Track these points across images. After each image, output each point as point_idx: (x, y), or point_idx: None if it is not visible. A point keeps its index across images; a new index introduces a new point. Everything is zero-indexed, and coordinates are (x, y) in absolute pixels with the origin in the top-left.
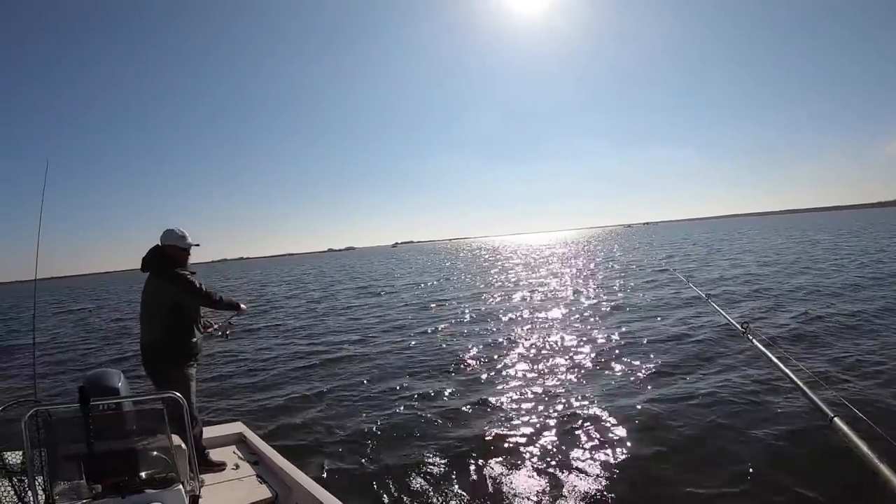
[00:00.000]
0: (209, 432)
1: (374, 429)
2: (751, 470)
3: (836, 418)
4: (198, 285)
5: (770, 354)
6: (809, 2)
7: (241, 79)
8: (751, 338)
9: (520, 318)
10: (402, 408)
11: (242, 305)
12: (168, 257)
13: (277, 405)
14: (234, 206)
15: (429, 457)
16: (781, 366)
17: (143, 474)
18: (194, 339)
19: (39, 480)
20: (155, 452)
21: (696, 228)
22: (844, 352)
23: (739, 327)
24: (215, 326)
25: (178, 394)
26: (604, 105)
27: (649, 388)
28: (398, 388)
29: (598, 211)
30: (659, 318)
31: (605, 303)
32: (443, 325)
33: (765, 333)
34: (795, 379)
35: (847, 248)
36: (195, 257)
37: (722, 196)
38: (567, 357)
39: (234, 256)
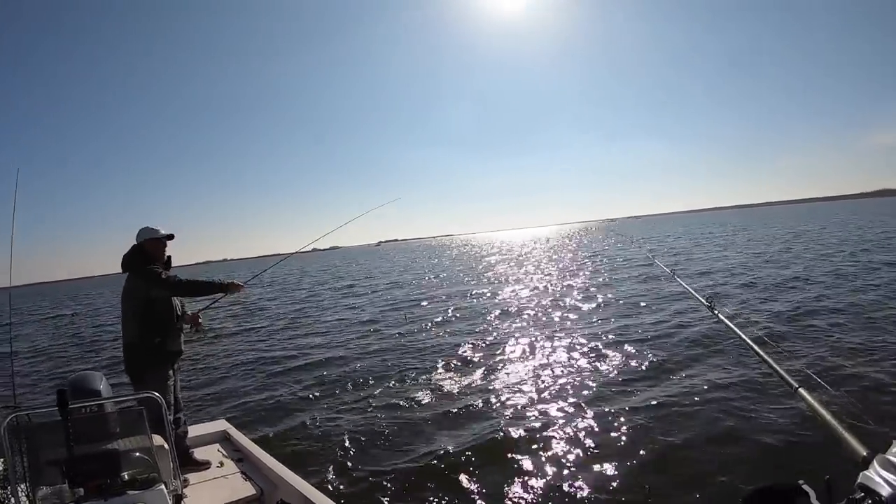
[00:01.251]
0: (193, 431)
1: (360, 428)
2: (723, 439)
3: (800, 388)
4: (162, 275)
5: (735, 328)
6: None
7: (213, 78)
8: (716, 312)
9: (505, 316)
10: (388, 407)
11: (236, 282)
12: (144, 253)
13: (262, 404)
14: (215, 207)
15: (413, 455)
16: (747, 339)
17: (125, 476)
18: (170, 338)
19: (22, 487)
20: (136, 453)
21: (680, 222)
22: (810, 326)
23: (705, 302)
24: (190, 324)
25: (157, 393)
26: (592, 99)
27: (622, 370)
28: (385, 388)
29: (584, 206)
30: (637, 303)
31: (586, 294)
32: (429, 325)
33: (732, 310)
34: (760, 352)
35: (833, 238)
36: (178, 260)
37: (708, 189)
38: (549, 346)
39: (217, 258)
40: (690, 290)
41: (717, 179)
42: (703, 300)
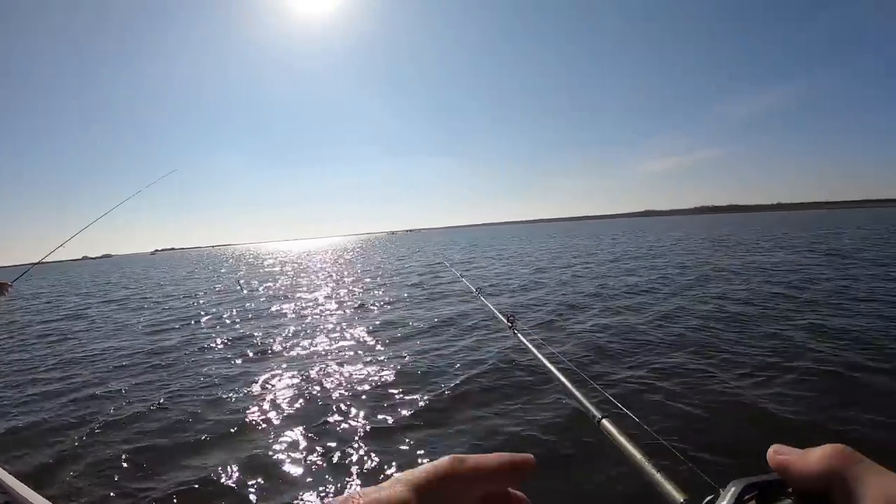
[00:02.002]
0: None
1: (140, 453)
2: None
3: (604, 419)
4: None
5: (537, 353)
6: (571, 38)
7: None
8: (517, 333)
9: (286, 327)
10: (166, 429)
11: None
12: None
13: (28, 433)
14: None
15: (195, 481)
16: (549, 365)
17: None
18: None
19: None
20: None
21: (456, 235)
22: (615, 352)
23: (506, 321)
24: None
25: None
26: (376, 111)
27: (414, 393)
28: (163, 407)
29: (366, 217)
30: (430, 317)
31: (373, 307)
32: (208, 340)
33: (531, 329)
34: (563, 380)
35: (613, 252)
36: None
37: (485, 204)
38: (337, 367)
39: None
40: (494, 309)
41: (495, 197)
42: (503, 318)
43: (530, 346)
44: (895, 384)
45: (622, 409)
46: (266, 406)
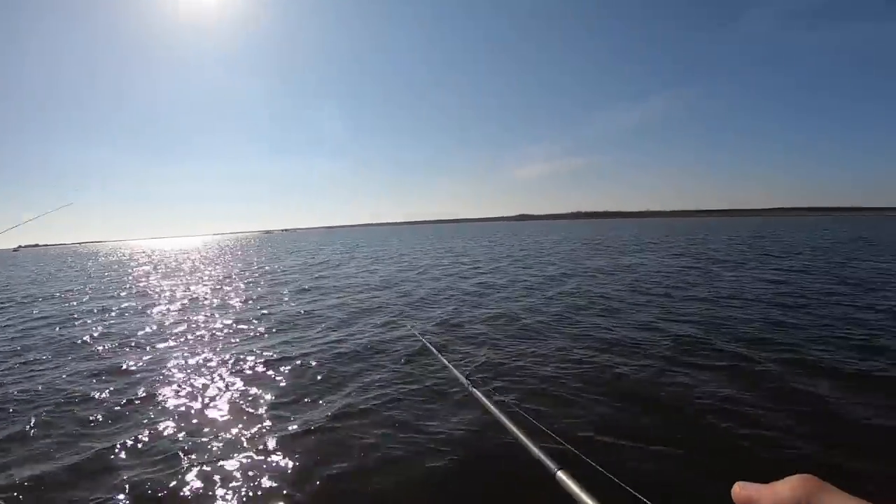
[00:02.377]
0: None
1: (19, 481)
2: None
3: (559, 472)
4: None
5: (491, 406)
6: (457, 56)
7: None
8: (473, 389)
9: (161, 333)
10: (46, 448)
11: None
12: None
13: None
14: None
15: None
16: (506, 421)
17: None
18: None
19: None
20: None
21: (334, 235)
22: (515, 353)
23: (462, 378)
24: None
25: None
26: (259, 110)
27: (310, 397)
28: (41, 428)
29: (241, 216)
30: (324, 317)
31: (258, 307)
32: (84, 347)
33: (486, 380)
34: (519, 434)
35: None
36: None
37: (366, 205)
38: (224, 370)
39: None
40: (450, 367)
41: (385, 197)
42: (463, 378)
43: (489, 403)
44: (781, 370)
45: (584, 458)
46: (154, 415)
